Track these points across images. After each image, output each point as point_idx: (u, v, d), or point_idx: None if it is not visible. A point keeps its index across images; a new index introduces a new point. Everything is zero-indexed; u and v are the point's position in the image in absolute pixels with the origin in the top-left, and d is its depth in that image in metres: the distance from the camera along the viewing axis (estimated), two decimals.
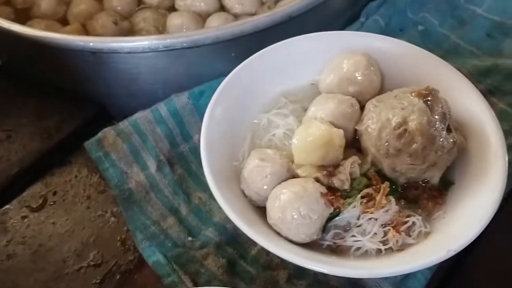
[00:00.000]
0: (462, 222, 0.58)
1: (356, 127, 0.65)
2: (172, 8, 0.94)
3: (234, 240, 0.65)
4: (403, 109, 0.60)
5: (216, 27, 0.77)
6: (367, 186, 0.60)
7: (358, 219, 0.59)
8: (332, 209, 0.59)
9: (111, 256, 0.65)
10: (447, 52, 0.87)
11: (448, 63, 0.70)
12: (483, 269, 0.65)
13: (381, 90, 0.69)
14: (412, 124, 0.59)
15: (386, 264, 0.57)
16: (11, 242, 0.66)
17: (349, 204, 0.59)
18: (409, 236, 0.59)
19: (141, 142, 0.73)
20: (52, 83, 0.81)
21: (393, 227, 0.59)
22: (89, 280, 0.63)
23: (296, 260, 0.55)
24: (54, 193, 0.71)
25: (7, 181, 0.71)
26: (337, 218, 0.60)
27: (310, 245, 0.59)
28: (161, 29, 0.91)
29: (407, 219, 0.60)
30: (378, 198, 0.59)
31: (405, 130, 0.59)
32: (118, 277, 0.63)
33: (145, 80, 0.79)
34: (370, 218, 0.59)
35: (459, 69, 0.70)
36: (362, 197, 0.59)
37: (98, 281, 0.63)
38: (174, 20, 0.90)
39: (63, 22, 0.92)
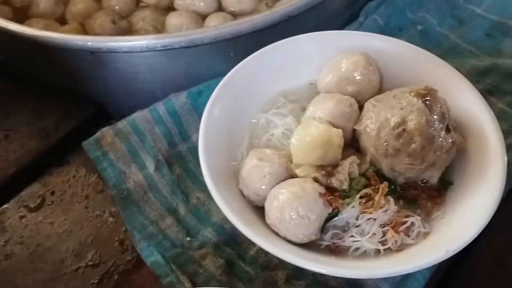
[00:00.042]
0: (461, 222, 0.58)
1: (355, 127, 0.64)
2: (170, 8, 0.94)
3: (233, 240, 0.65)
4: (402, 109, 0.60)
5: (214, 26, 0.76)
6: (366, 186, 0.60)
7: (356, 219, 0.59)
8: (330, 209, 0.59)
9: (109, 256, 0.65)
10: (446, 52, 0.87)
11: (447, 63, 0.70)
12: (482, 269, 0.65)
13: (380, 90, 0.69)
14: (411, 124, 0.59)
15: (385, 264, 0.57)
16: (9, 242, 0.66)
17: (348, 204, 0.59)
18: (408, 236, 0.59)
19: (139, 141, 0.73)
20: (50, 83, 0.80)
21: (392, 227, 0.59)
22: (87, 280, 0.63)
23: (294, 260, 0.55)
24: (52, 193, 0.70)
25: (5, 180, 0.71)
26: (335, 218, 0.59)
27: (309, 246, 0.59)
28: (159, 29, 0.91)
29: (406, 219, 0.60)
30: (377, 198, 0.59)
31: (404, 130, 0.59)
32: (116, 277, 0.63)
33: (143, 80, 0.79)
34: (369, 218, 0.59)
35: (458, 69, 0.70)
36: (361, 197, 0.59)
37: (96, 281, 0.63)
38: (173, 19, 0.89)
39: (61, 21, 0.92)
